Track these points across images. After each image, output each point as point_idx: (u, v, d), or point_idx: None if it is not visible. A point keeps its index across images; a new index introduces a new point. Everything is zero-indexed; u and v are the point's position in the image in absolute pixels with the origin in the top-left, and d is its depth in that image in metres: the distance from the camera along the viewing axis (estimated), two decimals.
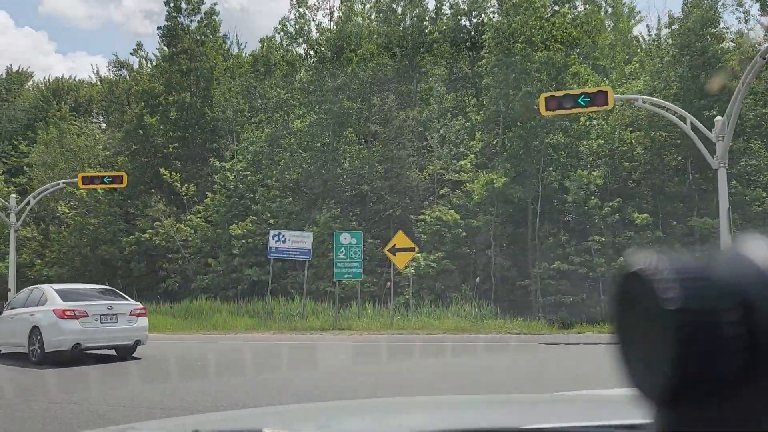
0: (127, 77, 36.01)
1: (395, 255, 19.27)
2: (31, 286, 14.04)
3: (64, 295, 11.92)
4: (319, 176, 26.75)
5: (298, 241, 20.37)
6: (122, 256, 29.26)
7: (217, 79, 32.56)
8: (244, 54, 36.98)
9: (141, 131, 32.66)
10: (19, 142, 40.21)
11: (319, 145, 27.33)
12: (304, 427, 1.67)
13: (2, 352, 12.76)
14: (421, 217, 24.77)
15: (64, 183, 22.70)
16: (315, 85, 27.83)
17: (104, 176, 21.17)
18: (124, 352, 12.10)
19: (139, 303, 13.04)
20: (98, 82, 44.12)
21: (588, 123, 24.55)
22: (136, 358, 12.04)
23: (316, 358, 13.25)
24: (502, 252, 24.27)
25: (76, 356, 11.21)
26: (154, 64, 36.90)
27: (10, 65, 52.13)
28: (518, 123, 23.67)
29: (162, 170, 29.62)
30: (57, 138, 34.07)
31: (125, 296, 13.20)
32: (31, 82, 52.27)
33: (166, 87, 32.93)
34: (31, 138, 39.15)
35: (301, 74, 29.75)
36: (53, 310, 11.36)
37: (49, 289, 12.44)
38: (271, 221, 26.81)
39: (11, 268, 21.72)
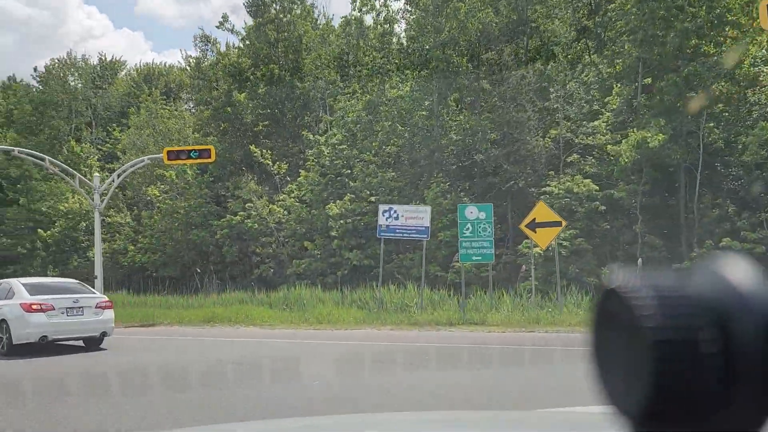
0: (214, 55, 33.40)
1: (535, 231, 15.20)
2: (14, 281, 13.83)
3: (32, 289, 12.06)
4: (424, 146, 22.91)
5: (413, 217, 16.68)
6: (214, 240, 26.68)
7: (307, 47, 29.32)
8: (332, 25, 33.63)
9: (229, 109, 30.02)
10: (113, 129, 38.81)
11: (423, 112, 23.45)
12: None
13: None
14: (547, 189, 20.50)
15: (148, 159, 20.05)
16: (417, 43, 23.93)
17: (191, 150, 18.28)
18: (91, 344, 12.27)
19: (105, 296, 13.16)
20: (187, 67, 42.17)
21: (752, 68, 19.41)
22: (102, 349, 12.13)
23: (479, 368, 9.48)
24: (649, 228, 19.62)
25: (45, 347, 11.37)
26: (240, 38, 34.15)
27: (104, 53, 51.24)
28: (667, 72, 18.89)
29: (252, 147, 26.73)
30: (147, 120, 32.01)
31: (92, 290, 13.27)
32: (124, 71, 51.33)
33: (254, 60, 30.10)
34: (125, 124, 37.71)
35: (400, 33, 25.91)
36: (20, 304, 11.53)
37: (17, 283, 12.55)
38: (372, 199, 23.32)
39: (97, 253, 19.30)
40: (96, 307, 12.09)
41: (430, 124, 22.70)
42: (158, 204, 27.93)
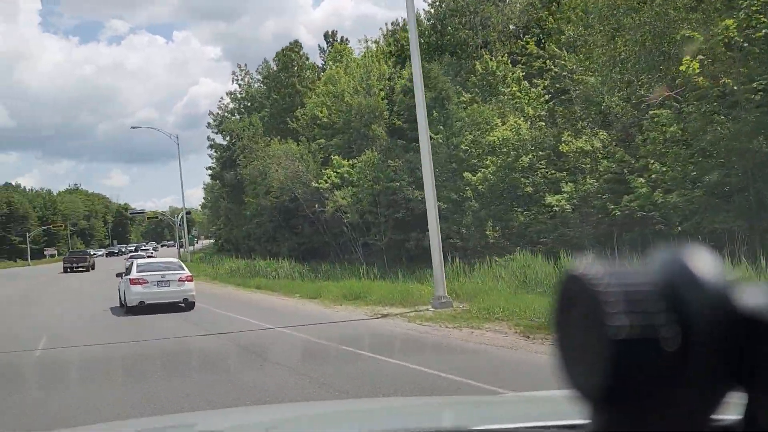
0: None
1: None
2: (132, 260, 20.39)
3: (140, 268, 15.71)
4: None
5: None
6: None
7: None
8: None
9: None
10: (527, 41, 26.80)
11: None
12: (242, 428, 1.60)
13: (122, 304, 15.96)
14: None
15: None
16: None
17: None
18: (185, 306, 15.14)
19: (187, 272, 16.03)
20: None
21: None
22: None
23: None
24: None
25: (145, 308, 14.68)
26: None
27: None
28: None
29: None
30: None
31: (182, 267, 16.36)
32: None
33: None
34: (536, 35, 25.28)
35: None
36: (129, 279, 15.29)
37: (135, 263, 16.62)
38: None
39: None
40: (179, 281, 15.32)
41: None
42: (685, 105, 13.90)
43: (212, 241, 65.33)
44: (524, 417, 1.56)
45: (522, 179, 20.04)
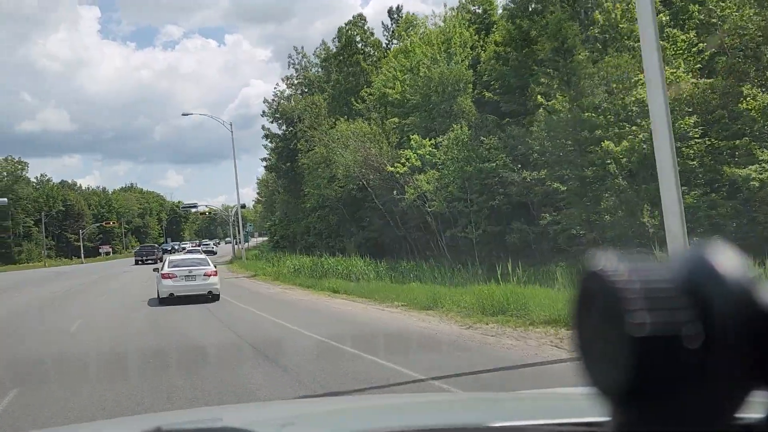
0: None
1: None
2: (166, 256, 20.01)
3: (171, 264, 16.89)
4: None
5: None
6: None
7: None
8: None
9: None
10: None
11: None
12: (264, 426, 1.57)
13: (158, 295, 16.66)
14: None
15: None
16: None
17: None
18: (210, 298, 16.13)
19: (212, 267, 16.97)
20: None
21: None
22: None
23: None
24: None
25: (174, 300, 15.78)
26: None
27: None
28: None
29: None
30: None
31: (208, 263, 17.20)
32: None
33: None
34: None
35: None
36: (161, 274, 16.53)
37: (167, 259, 17.87)
38: None
39: None
40: (204, 275, 16.37)
41: None
42: None
43: (266, 238, 61.90)
44: (543, 414, 1.54)
45: (684, 149, 14.88)
